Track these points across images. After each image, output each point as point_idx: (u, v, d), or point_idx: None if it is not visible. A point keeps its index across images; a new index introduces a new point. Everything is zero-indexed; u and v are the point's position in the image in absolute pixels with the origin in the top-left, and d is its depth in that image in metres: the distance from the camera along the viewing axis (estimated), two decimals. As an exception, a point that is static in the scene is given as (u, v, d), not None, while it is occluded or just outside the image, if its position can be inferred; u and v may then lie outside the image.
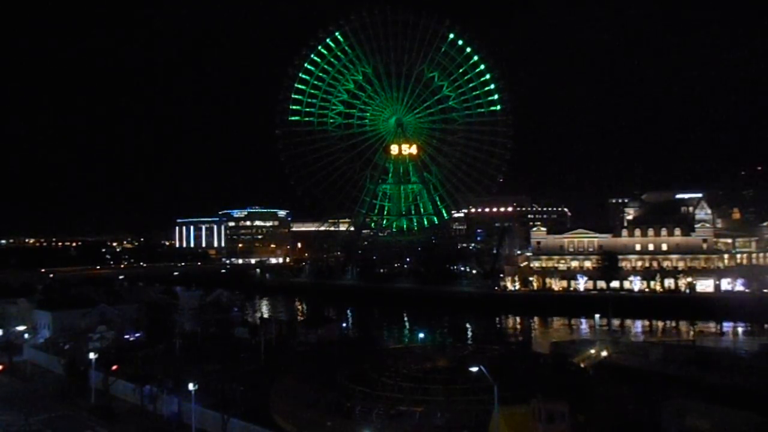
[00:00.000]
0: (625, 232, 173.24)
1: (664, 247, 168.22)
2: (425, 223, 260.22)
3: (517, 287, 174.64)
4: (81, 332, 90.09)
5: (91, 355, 68.65)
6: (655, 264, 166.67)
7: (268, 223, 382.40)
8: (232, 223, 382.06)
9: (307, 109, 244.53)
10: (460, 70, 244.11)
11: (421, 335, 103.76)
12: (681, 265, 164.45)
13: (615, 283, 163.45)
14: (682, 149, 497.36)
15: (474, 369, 51.33)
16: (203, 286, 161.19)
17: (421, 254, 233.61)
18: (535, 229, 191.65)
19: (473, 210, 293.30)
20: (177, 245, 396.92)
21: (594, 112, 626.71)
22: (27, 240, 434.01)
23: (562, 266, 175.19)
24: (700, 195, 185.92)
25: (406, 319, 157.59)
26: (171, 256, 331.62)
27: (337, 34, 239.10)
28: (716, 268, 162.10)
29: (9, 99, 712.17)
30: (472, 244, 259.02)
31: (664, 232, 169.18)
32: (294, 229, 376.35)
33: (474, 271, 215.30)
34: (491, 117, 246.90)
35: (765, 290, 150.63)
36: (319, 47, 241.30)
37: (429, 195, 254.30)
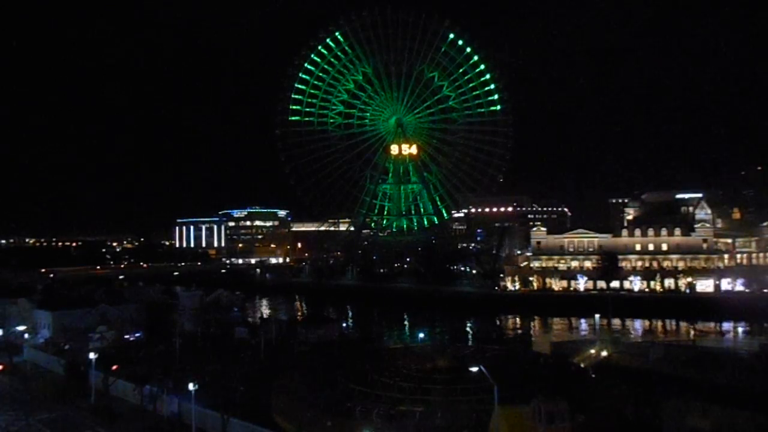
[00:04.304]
0: (625, 232, 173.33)
1: (664, 247, 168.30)
2: (425, 223, 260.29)
3: (517, 287, 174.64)
4: (81, 332, 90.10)
5: (91, 355, 68.60)
6: (655, 264, 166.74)
7: (268, 223, 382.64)
8: (232, 223, 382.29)
9: (307, 109, 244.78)
10: (460, 70, 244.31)
11: (421, 335, 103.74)
12: (681, 265, 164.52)
13: (615, 283, 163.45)
14: (682, 149, 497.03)
15: (474, 369, 51.30)
16: (203, 286, 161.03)
17: (421, 254, 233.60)
18: (535, 229, 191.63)
19: (473, 210, 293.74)
20: (177, 245, 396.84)
21: (594, 112, 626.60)
22: (27, 240, 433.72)
23: (562, 266, 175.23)
24: (700, 195, 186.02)
25: (406, 319, 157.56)
26: (171, 256, 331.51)
27: (337, 34, 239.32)
28: (716, 268, 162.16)
29: (9, 99, 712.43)
30: (472, 244, 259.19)
31: (664, 232, 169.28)
32: (294, 229, 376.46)
33: (474, 271, 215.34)
34: (491, 117, 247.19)
35: (765, 290, 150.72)
36: (319, 47, 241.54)
37: (429, 195, 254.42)
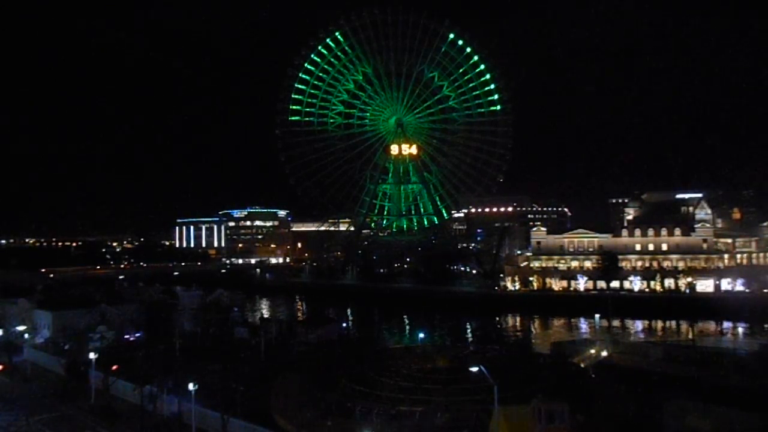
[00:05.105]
0: (625, 232, 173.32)
1: (664, 247, 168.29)
2: (425, 223, 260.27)
3: (517, 287, 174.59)
4: (81, 332, 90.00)
5: (91, 355, 68.58)
6: (655, 264, 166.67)
7: (268, 223, 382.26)
8: (232, 223, 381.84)
9: (307, 109, 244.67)
10: (460, 70, 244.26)
11: (421, 335, 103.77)
12: (681, 265, 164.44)
13: (615, 283, 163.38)
14: (682, 149, 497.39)
15: (474, 369, 51.33)
16: (203, 286, 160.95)
17: (421, 254, 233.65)
18: (535, 229, 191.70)
19: (473, 210, 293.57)
20: (177, 245, 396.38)
21: (594, 112, 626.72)
22: (27, 240, 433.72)
23: (562, 266, 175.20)
24: (700, 195, 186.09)
25: (406, 319, 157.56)
26: (171, 256, 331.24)
27: (337, 34, 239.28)
28: (716, 268, 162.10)
29: (9, 99, 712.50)
30: (472, 244, 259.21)
31: (664, 232, 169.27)
32: (294, 229, 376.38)
33: (474, 271, 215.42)
34: (491, 117, 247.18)
35: (765, 290, 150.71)
36: (319, 47, 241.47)
37: (429, 195, 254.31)
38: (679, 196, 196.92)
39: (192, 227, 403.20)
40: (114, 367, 67.93)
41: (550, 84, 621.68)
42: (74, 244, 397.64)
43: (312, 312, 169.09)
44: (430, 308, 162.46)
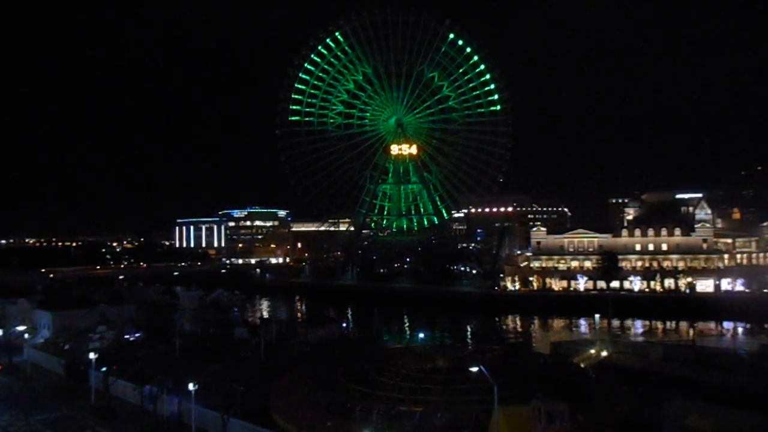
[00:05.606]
0: (625, 232, 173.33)
1: (664, 247, 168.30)
2: (425, 223, 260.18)
3: (517, 287, 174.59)
4: (81, 332, 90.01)
5: (91, 355, 68.53)
6: (655, 264, 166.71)
7: (268, 223, 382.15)
8: (232, 223, 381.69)
9: (307, 109, 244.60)
10: (460, 70, 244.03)
11: (421, 335, 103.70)
12: (681, 265, 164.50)
13: (615, 283, 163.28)
14: (682, 149, 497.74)
15: (474, 369, 51.32)
16: (203, 286, 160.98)
17: (421, 254, 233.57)
18: (535, 229, 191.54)
19: (473, 210, 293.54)
20: (177, 245, 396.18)
21: (594, 112, 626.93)
22: (27, 240, 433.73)
23: (562, 266, 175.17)
24: (700, 195, 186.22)
25: (406, 319, 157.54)
26: (171, 256, 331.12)
27: (337, 34, 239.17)
28: (716, 268, 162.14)
29: (9, 99, 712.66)
30: (472, 244, 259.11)
31: (664, 232, 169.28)
32: (294, 229, 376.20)
33: (474, 271, 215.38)
34: (491, 117, 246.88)
35: (765, 290, 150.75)
36: (319, 47, 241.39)
37: (429, 195, 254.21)
38: (679, 196, 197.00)
39: (192, 227, 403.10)
40: (114, 367, 67.86)
41: (550, 84, 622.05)
42: (74, 244, 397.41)
43: (312, 312, 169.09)
44: (430, 308, 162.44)
